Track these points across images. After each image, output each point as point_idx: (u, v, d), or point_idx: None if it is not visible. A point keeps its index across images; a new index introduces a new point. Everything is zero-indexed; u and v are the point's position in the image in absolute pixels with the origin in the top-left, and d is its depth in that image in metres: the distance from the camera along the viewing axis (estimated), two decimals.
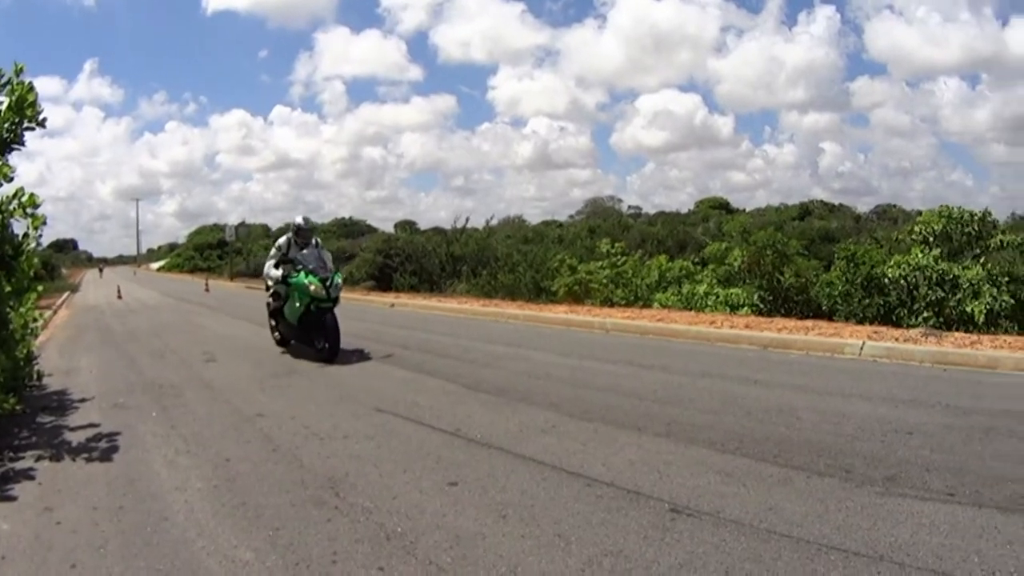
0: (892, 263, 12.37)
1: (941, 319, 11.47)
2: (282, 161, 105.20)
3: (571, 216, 57.13)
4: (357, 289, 22.47)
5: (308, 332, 9.11)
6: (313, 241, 9.57)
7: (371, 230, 48.75)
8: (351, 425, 5.50)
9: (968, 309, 11.34)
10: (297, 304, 9.08)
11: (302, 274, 8.99)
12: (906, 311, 11.91)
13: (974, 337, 9.59)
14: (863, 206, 54.23)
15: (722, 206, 50.00)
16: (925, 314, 11.60)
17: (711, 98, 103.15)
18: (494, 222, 28.58)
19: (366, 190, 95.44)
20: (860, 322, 11.57)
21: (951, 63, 75.02)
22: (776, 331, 10.01)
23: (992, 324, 11.18)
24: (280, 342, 10.11)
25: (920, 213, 15.55)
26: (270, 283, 9.76)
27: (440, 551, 3.17)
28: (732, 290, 14.59)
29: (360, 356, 9.27)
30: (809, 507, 3.71)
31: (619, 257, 16.50)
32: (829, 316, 12.51)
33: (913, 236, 13.62)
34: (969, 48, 70.55)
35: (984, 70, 76.88)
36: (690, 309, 14.06)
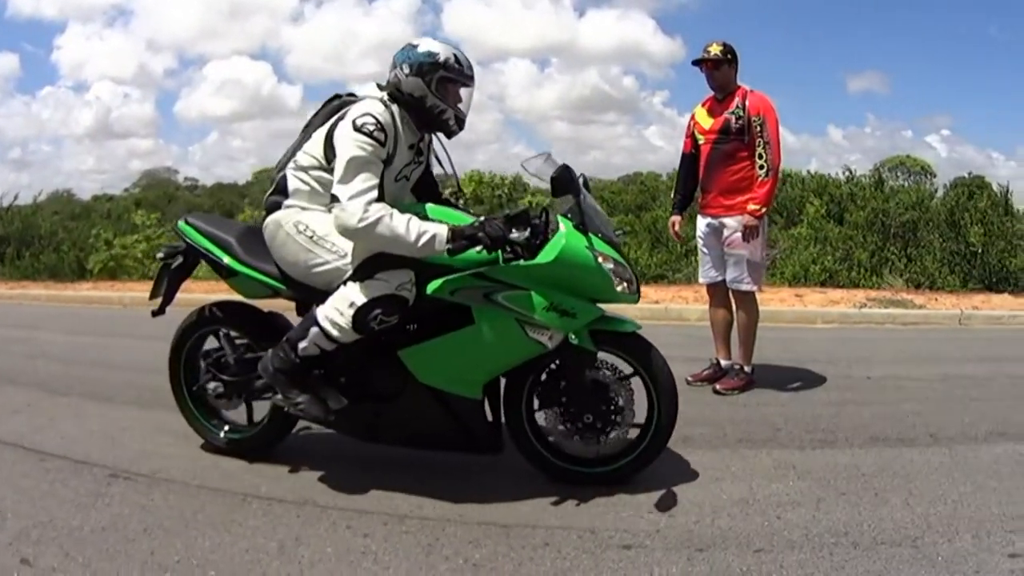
0: None
1: None
2: None
3: (126, 189, 51.78)
4: None
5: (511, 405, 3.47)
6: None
7: None
8: None
9: None
10: (548, 306, 3.07)
11: (567, 225, 3.23)
12: None
13: None
14: None
15: None
16: None
17: (281, 68, 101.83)
18: (42, 198, 25.06)
19: None
20: None
21: (524, 47, 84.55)
22: None
23: None
24: (254, 439, 3.93)
25: None
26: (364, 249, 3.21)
27: None
28: None
29: None
30: (247, 460, 3.87)
31: (155, 229, 15.59)
32: None
33: None
34: (543, 35, 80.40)
35: (555, 55, 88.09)
36: None
